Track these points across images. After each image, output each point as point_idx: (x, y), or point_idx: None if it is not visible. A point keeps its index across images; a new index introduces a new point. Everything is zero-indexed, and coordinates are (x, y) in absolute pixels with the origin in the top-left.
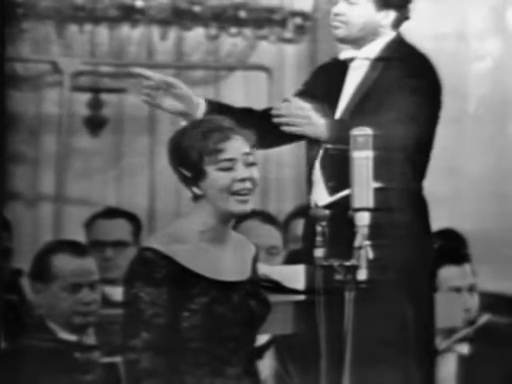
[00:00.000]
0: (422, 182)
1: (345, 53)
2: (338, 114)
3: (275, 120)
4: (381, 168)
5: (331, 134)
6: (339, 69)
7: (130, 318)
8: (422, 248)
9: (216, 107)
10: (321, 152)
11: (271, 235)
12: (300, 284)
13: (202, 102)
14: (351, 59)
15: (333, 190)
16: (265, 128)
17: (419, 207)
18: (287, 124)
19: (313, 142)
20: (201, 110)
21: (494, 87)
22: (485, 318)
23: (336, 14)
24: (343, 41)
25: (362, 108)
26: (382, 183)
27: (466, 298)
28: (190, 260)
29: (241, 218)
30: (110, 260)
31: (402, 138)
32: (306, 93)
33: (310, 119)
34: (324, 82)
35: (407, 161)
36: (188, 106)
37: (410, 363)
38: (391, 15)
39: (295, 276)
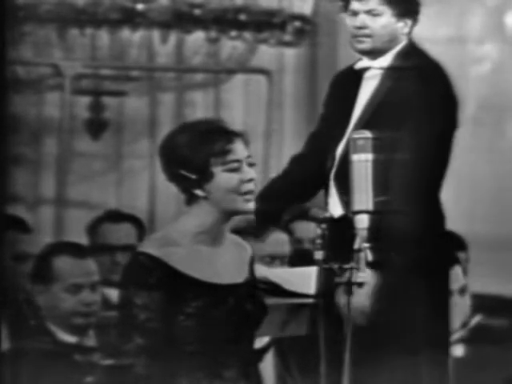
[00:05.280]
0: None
1: (361, 63)
2: (351, 126)
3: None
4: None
5: None
6: (353, 79)
7: (124, 322)
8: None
9: None
10: (336, 164)
11: (284, 243)
12: (307, 287)
13: None
14: (366, 69)
15: (347, 205)
16: None
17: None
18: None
19: (328, 151)
20: None
21: (492, 90)
22: (477, 319)
23: (359, 28)
24: (366, 53)
25: (376, 119)
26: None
27: (457, 300)
28: (185, 263)
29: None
30: (119, 264)
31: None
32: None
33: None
34: (338, 94)
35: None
36: None
37: (410, 365)
38: (409, 24)
39: (299, 278)
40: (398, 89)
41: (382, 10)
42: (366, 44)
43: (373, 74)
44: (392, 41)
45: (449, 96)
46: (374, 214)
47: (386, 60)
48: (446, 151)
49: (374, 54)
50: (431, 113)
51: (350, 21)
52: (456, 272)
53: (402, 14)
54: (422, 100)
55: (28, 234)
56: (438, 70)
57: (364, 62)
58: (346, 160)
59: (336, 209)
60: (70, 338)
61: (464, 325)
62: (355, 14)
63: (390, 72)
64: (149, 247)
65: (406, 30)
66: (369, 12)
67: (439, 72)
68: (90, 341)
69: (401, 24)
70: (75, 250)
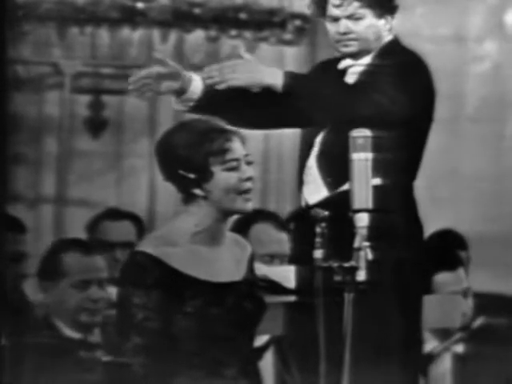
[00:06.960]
0: (413, 183)
1: (344, 62)
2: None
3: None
4: (378, 167)
5: (286, 81)
6: (338, 73)
7: (122, 321)
8: (415, 249)
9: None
10: (316, 149)
11: (284, 242)
12: (291, 284)
13: (196, 79)
14: (350, 66)
15: (331, 186)
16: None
17: (411, 207)
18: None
19: (305, 142)
20: (196, 87)
21: (492, 89)
22: (479, 322)
23: (343, 33)
24: (354, 55)
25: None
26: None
27: (460, 302)
28: (183, 262)
29: (250, 220)
30: (119, 261)
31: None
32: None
33: (252, 68)
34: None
35: (401, 157)
36: (181, 82)
37: (405, 364)
38: (389, 20)
39: (291, 276)
40: (376, 73)
41: (364, 13)
42: (353, 47)
43: (356, 70)
44: (377, 40)
45: (428, 90)
46: (374, 213)
47: (369, 58)
48: (422, 147)
49: (360, 55)
50: (411, 107)
51: (331, 26)
52: (459, 274)
53: (382, 12)
54: (403, 94)
55: (23, 234)
56: (420, 64)
57: (347, 62)
58: (328, 145)
59: (315, 195)
60: (74, 334)
61: (465, 327)
62: (336, 19)
63: (371, 67)
64: (147, 246)
65: (388, 26)
66: (350, 17)
67: (421, 67)
68: (95, 338)
69: (382, 21)
70: (83, 247)
